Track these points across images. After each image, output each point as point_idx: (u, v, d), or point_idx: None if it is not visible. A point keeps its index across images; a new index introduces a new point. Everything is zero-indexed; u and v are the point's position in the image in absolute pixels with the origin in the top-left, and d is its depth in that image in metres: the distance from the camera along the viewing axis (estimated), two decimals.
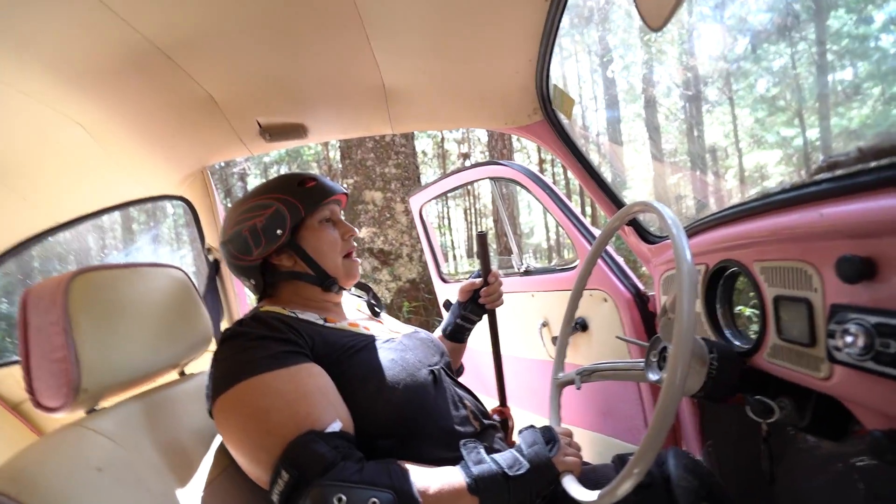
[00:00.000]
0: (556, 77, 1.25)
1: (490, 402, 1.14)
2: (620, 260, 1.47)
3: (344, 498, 0.62)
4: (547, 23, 0.98)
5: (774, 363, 0.73)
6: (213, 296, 1.57)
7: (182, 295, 0.96)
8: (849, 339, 0.53)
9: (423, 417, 0.83)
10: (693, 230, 0.98)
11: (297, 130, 1.35)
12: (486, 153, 10.05)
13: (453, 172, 2.04)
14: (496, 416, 1.09)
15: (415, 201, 2.29)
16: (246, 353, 0.76)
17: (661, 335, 0.81)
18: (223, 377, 0.75)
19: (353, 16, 0.90)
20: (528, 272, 1.79)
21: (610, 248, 1.45)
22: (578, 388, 0.97)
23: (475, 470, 0.72)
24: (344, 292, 1.05)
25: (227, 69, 1.04)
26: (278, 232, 0.92)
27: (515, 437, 0.90)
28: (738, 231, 0.81)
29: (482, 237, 1.21)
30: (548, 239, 13.14)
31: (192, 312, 0.97)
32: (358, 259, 1.04)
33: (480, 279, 1.19)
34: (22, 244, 1.52)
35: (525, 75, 1.19)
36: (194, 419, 0.87)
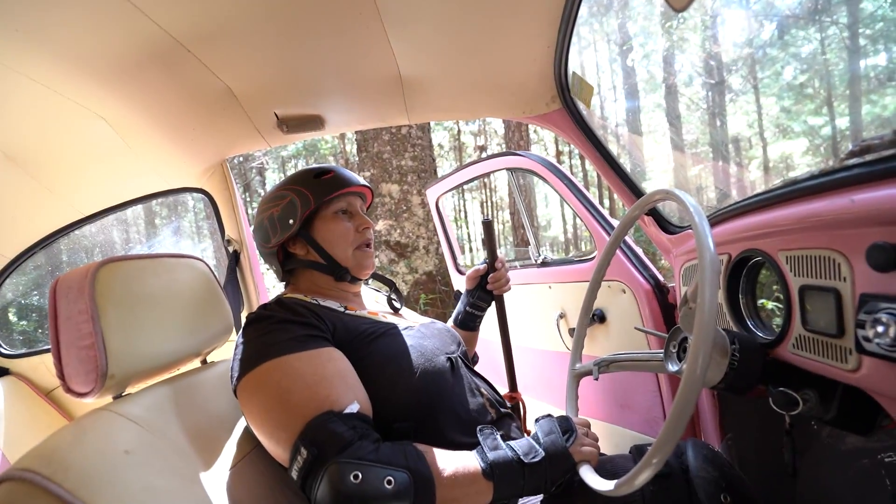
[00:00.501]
0: (574, 67, 1.23)
1: (503, 391, 1.14)
2: (639, 251, 1.45)
3: (360, 475, 0.63)
4: (566, 6, 0.96)
5: (799, 354, 0.71)
6: (234, 286, 1.60)
7: (203, 285, 0.98)
8: (880, 328, 0.52)
9: (440, 403, 0.83)
10: (715, 219, 0.96)
11: (314, 122, 1.37)
12: (503, 145, 9.96)
13: (470, 163, 2.03)
14: (508, 403, 1.09)
15: (431, 193, 2.29)
16: (270, 335, 0.79)
17: (682, 325, 0.79)
18: (248, 358, 0.78)
19: (369, 7, 0.91)
20: (545, 263, 1.78)
21: (629, 239, 1.42)
22: (596, 379, 0.96)
23: (491, 455, 0.73)
24: (363, 286, 1.06)
25: (245, 62, 1.05)
26: (290, 221, 0.96)
27: (530, 425, 0.90)
28: (762, 220, 0.79)
29: (488, 224, 1.22)
30: (565, 232, 13.01)
31: (213, 302, 0.99)
32: (371, 250, 1.04)
33: (486, 265, 1.19)
34: (50, 237, 1.57)
35: (543, 62, 1.17)
36: (217, 406, 0.89)
